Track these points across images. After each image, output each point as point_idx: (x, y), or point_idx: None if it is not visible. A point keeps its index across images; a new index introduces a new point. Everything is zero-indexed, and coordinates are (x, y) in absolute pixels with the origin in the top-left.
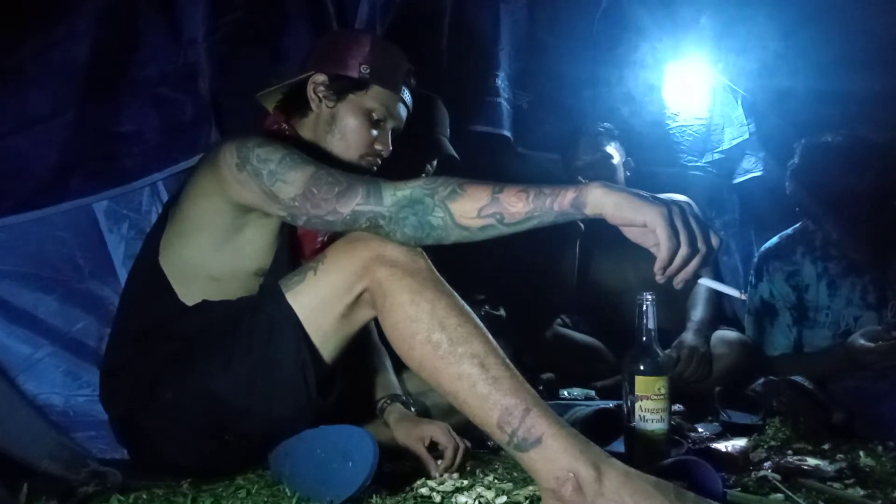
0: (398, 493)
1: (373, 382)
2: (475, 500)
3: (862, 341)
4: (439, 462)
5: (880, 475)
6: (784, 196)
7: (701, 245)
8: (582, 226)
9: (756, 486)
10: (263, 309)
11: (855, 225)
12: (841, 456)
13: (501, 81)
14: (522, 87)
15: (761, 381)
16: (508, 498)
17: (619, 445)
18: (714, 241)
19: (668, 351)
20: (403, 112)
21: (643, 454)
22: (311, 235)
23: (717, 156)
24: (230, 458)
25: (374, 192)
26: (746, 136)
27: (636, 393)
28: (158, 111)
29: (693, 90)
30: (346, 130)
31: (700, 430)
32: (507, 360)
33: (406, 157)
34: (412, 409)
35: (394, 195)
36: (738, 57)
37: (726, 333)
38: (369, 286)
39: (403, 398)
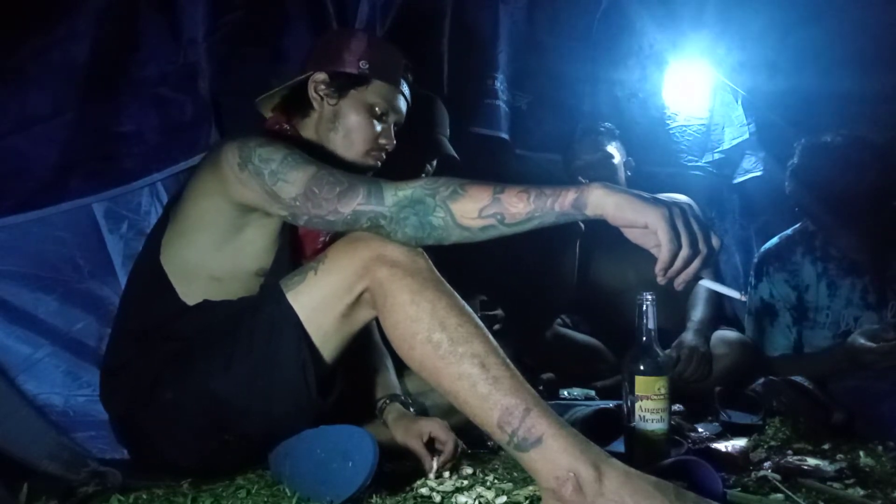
0: (398, 493)
1: (373, 382)
2: (475, 500)
3: (862, 341)
4: (436, 459)
5: (880, 475)
6: (784, 196)
7: (702, 246)
8: (582, 226)
9: (756, 486)
10: (264, 309)
11: (855, 225)
12: (841, 456)
13: (500, 83)
14: (522, 87)
15: (761, 381)
16: (508, 498)
17: (619, 445)
18: (715, 242)
19: (668, 351)
20: (404, 105)
21: (643, 454)
22: (313, 235)
23: (717, 156)
24: (230, 458)
25: (375, 192)
26: (746, 136)
27: (636, 393)
28: (158, 111)
29: (693, 90)
30: (350, 127)
31: (700, 430)
32: (508, 360)
33: (406, 157)
34: (411, 410)
35: (395, 195)
36: (738, 57)
37: (726, 333)
38: (370, 286)
39: (403, 398)
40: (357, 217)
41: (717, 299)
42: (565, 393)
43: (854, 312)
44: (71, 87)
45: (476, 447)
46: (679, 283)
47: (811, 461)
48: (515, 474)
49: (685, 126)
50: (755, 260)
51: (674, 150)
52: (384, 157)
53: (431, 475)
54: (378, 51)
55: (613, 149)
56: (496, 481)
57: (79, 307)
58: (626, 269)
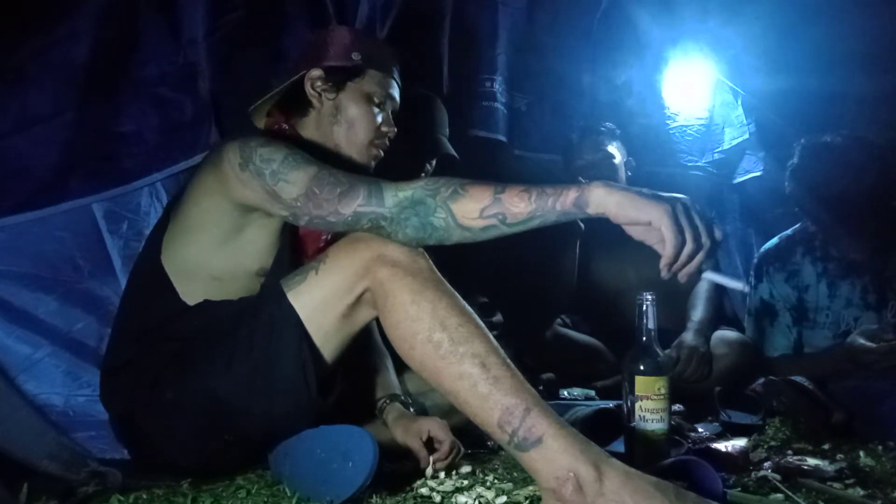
0: (398, 493)
1: (373, 382)
2: (475, 500)
3: (862, 341)
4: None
5: (880, 475)
6: (784, 196)
7: (705, 239)
8: (582, 226)
9: (756, 486)
10: (264, 309)
11: (855, 225)
12: (841, 456)
13: (498, 85)
14: (521, 88)
15: (761, 381)
16: (508, 498)
17: (619, 445)
18: (717, 233)
19: (668, 351)
20: (398, 93)
21: (643, 454)
22: (315, 235)
23: (717, 156)
24: (230, 458)
25: (375, 193)
26: (746, 136)
27: (636, 393)
28: (158, 111)
29: (693, 90)
30: (353, 118)
31: (700, 430)
32: (508, 360)
33: (406, 157)
34: (411, 409)
35: (395, 196)
36: (738, 57)
37: (726, 333)
38: (370, 286)
39: (403, 398)
40: (358, 218)
41: (717, 299)
42: (565, 393)
43: (854, 312)
44: (71, 87)
45: (476, 447)
46: (683, 276)
47: (811, 461)
48: (515, 474)
49: (685, 126)
50: (755, 260)
51: (674, 150)
52: (388, 145)
53: (428, 473)
54: (367, 42)
55: (614, 149)
56: (496, 481)
57: (79, 307)
58: (626, 269)
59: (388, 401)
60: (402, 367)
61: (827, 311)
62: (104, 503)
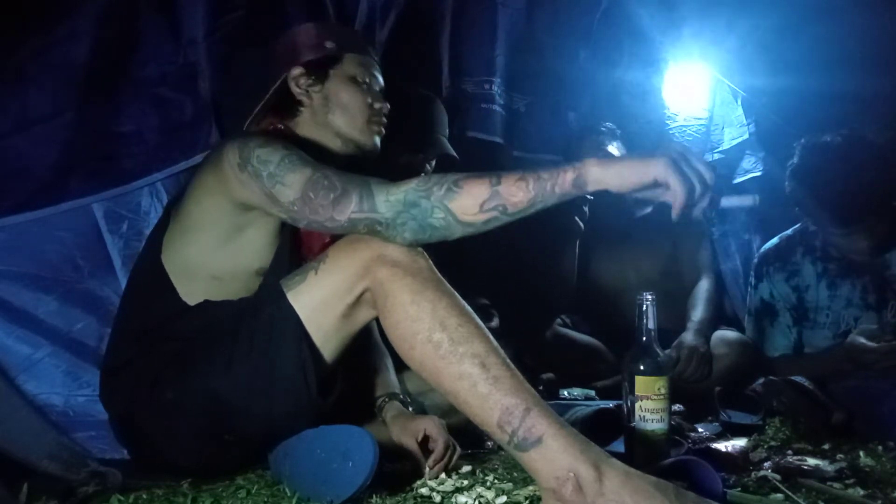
0: (398, 493)
1: (373, 382)
2: (475, 500)
3: (862, 340)
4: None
5: (880, 475)
6: (784, 196)
7: (709, 177)
8: (582, 226)
9: (756, 486)
10: (264, 309)
11: (855, 225)
12: (841, 456)
13: (497, 87)
14: (520, 89)
15: (761, 381)
16: (508, 498)
17: (619, 445)
18: (711, 174)
19: (668, 351)
20: (378, 70)
21: (643, 454)
22: (319, 232)
23: (717, 156)
24: (230, 458)
25: (367, 198)
26: (746, 136)
27: (636, 393)
28: (158, 111)
29: (693, 90)
30: (345, 103)
31: (700, 430)
32: (508, 360)
33: (406, 157)
34: (410, 409)
35: (387, 200)
36: (738, 57)
37: (726, 333)
38: (370, 286)
39: (402, 397)
40: (354, 224)
41: (717, 299)
42: (565, 393)
43: (854, 313)
44: (71, 87)
45: (475, 447)
46: (697, 211)
47: (811, 461)
48: (515, 474)
49: (685, 126)
50: (755, 260)
51: None
52: (385, 120)
53: (426, 475)
54: (335, 29)
55: (614, 149)
56: (496, 481)
57: (79, 307)
58: (626, 269)
59: (387, 399)
60: (401, 366)
61: (827, 311)
62: (104, 503)
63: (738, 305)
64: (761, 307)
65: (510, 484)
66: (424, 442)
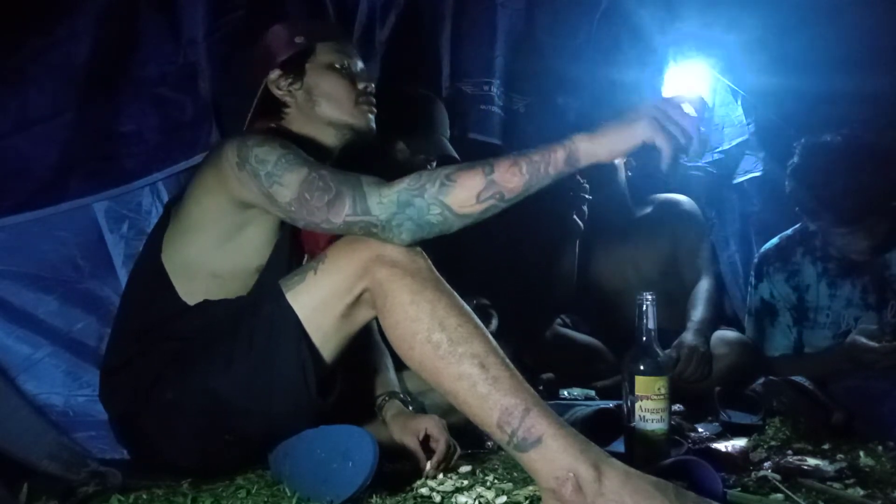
0: (398, 493)
1: (373, 382)
2: (475, 500)
3: (863, 340)
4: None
5: (880, 475)
6: (784, 196)
7: (692, 130)
8: (582, 225)
9: (756, 486)
10: (264, 308)
11: (855, 225)
12: (841, 456)
13: (496, 89)
14: (520, 90)
15: (761, 381)
16: (508, 498)
17: (619, 445)
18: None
19: (668, 351)
20: (355, 53)
21: (643, 454)
22: None
23: (717, 156)
24: (230, 458)
25: (360, 201)
26: (746, 136)
27: (636, 393)
28: (158, 111)
29: (693, 90)
30: (327, 91)
31: (700, 430)
32: (507, 360)
33: (406, 157)
34: (410, 408)
35: (380, 202)
36: (738, 57)
37: (726, 333)
38: (370, 286)
39: (402, 396)
40: (349, 226)
41: (717, 299)
42: (565, 393)
43: (854, 312)
44: (71, 87)
45: (475, 447)
46: (693, 157)
47: (811, 461)
48: (515, 474)
49: None
50: (755, 260)
51: None
52: (373, 99)
53: (427, 475)
54: (302, 24)
55: None
56: (496, 481)
57: (79, 307)
58: (625, 268)
59: (387, 398)
60: (401, 366)
61: (827, 310)
62: (104, 503)
63: (738, 305)
64: (761, 307)
65: (510, 484)
66: (425, 441)
